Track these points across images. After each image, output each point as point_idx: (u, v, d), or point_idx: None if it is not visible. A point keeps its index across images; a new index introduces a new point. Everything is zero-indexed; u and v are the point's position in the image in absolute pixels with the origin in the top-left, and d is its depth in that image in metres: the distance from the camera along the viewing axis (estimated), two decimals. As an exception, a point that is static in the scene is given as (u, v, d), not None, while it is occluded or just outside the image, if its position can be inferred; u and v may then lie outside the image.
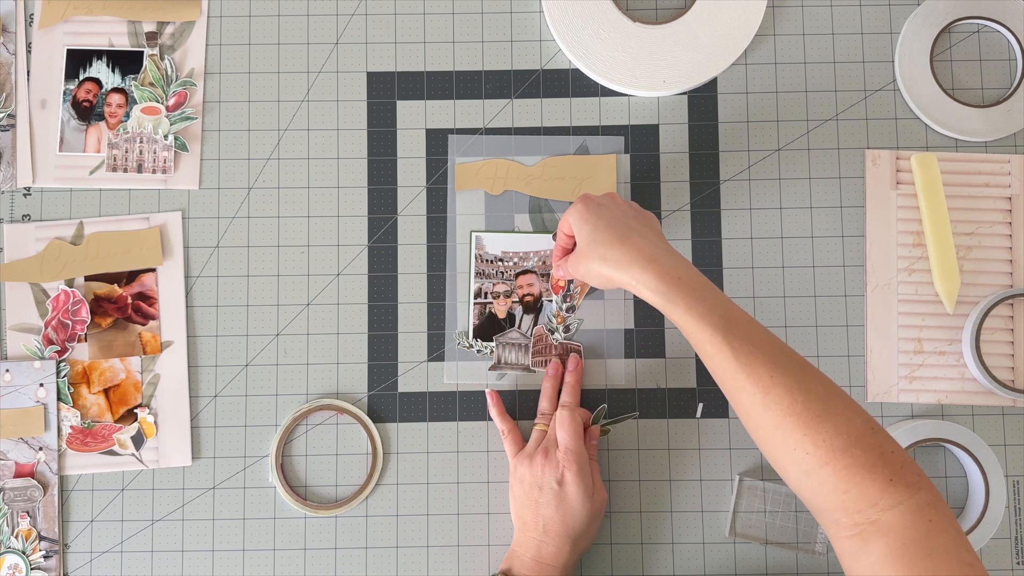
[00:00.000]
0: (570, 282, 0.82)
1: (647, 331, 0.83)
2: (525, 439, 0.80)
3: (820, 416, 0.61)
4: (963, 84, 0.85)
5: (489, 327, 0.83)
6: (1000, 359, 0.81)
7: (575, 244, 0.77)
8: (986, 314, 0.80)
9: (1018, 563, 0.80)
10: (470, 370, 0.82)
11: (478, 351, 0.82)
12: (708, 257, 0.83)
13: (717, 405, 0.82)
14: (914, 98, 0.84)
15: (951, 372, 0.82)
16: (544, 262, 0.83)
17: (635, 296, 0.82)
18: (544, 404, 0.80)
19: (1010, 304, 0.82)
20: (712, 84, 0.85)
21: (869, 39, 0.85)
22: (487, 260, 0.83)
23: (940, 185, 0.82)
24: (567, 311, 0.83)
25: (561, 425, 0.76)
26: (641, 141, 0.85)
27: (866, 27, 0.86)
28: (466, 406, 0.82)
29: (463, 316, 0.83)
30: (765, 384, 0.62)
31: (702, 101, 0.85)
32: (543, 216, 0.84)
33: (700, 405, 0.82)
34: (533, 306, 0.83)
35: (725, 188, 0.84)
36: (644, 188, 0.84)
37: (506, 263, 0.83)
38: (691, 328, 0.65)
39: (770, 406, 0.62)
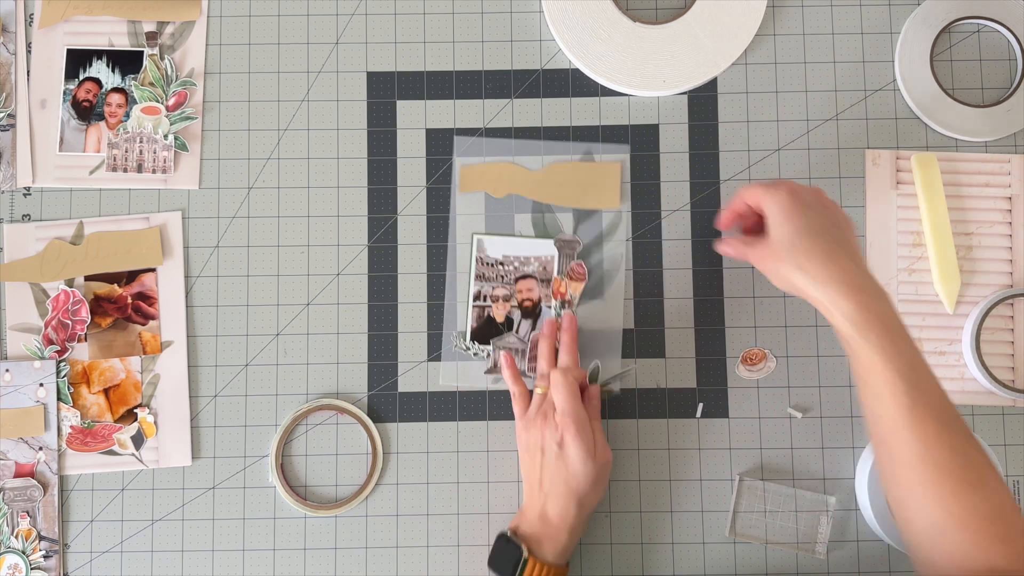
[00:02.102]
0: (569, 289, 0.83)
1: (647, 331, 0.83)
2: None
3: (974, 483, 0.62)
4: (963, 84, 0.85)
5: (487, 330, 0.83)
6: (1000, 359, 0.81)
7: (754, 220, 0.76)
8: (986, 314, 0.80)
9: (1018, 563, 0.80)
10: (468, 371, 0.82)
11: (475, 354, 0.82)
12: (708, 257, 0.83)
13: (717, 405, 0.82)
14: (914, 98, 0.84)
15: (951, 372, 0.82)
16: (544, 267, 0.83)
17: (635, 296, 0.83)
18: (542, 365, 0.79)
19: (1010, 304, 0.82)
20: (712, 84, 0.85)
21: (869, 39, 0.85)
22: (488, 263, 0.83)
23: (940, 185, 0.82)
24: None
25: (556, 388, 0.75)
26: (641, 141, 0.85)
27: (866, 27, 0.86)
28: (466, 406, 0.82)
29: (462, 316, 0.83)
30: (930, 440, 0.63)
31: (702, 101, 0.85)
32: (545, 221, 0.84)
33: (700, 405, 0.82)
34: (532, 311, 0.83)
35: (725, 188, 0.84)
36: (644, 188, 0.84)
37: (506, 267, 0.83)
38: (875, 367, 0.64)
39: (927, 462, 0.62)
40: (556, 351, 0.80)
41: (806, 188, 0.72)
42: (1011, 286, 0.82)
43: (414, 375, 0.83)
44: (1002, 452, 0.81)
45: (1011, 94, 0.84)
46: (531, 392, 0.80)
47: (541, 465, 0.75)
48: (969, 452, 0.63)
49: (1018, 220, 0.83)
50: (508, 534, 0.74)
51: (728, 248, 0.78)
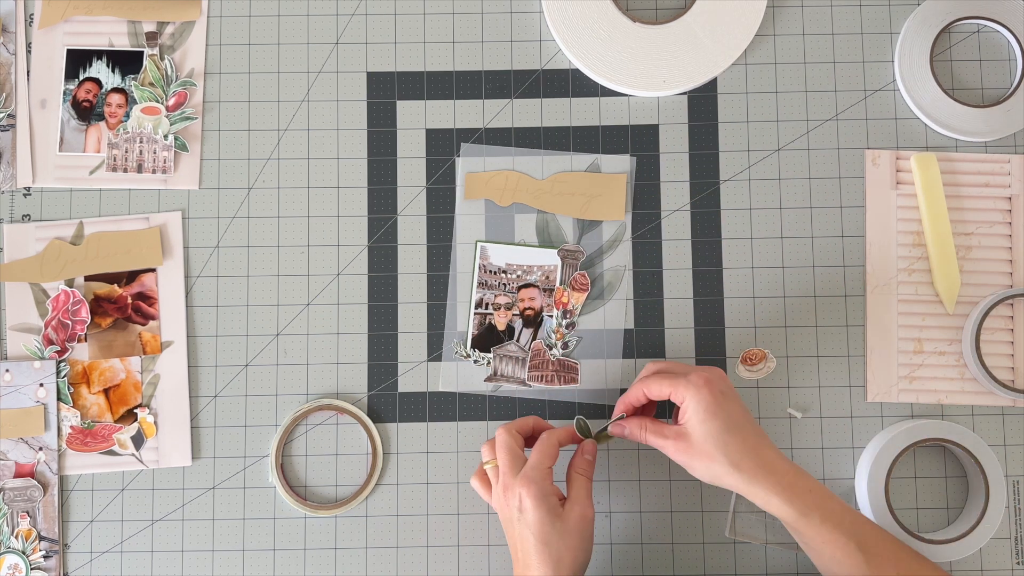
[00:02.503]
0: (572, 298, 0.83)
1: (647, 331, 0.83)
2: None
3: None
4: (963, 84, 0.85)
5: (488, 338, 0.83)
6: (1000, 359, 0.81)
7: (644, 405, 0.75)
8: (986, 314, 0.80)
9: (1018, 563, 0.80)
10: (468, 376, 0.82)
11: (475, 361, 0.82)
12: (708, 257, 0.83)
13: (717, 405, 0.82)
14: (914, 98, 0.84)
15: (951, 372, 0.82)
16: (547, 277, 0.83)
17: (634, 297, 0.83)
18: (486, 449, 0.75)
19: (1010, 304, 0.82)
20: (712, 84, 0.85)
21: (869, 39, 0.85)
22: (490, 271, 0.83)
23: (940, 185, 0.82)
24: (567, 327, 0.82)
25: (498, 450, 0.73)
26: (641, 141, 0.85)
27: (866, 27, 0.86)
28: (466, 407, 0.82)
29: (463, 318, 0.83)
30: None
31: (702, 101, 0.85)
32: (549, 229, 0.83)
33: (700, 405, 0.82)
34: (533, 320, 0.83)
35: (725, 188, 0.84)
36: (644, 188, 0.84)
37: (509, 275, 0.83)
38: (823, 538, 0.68)
39: None
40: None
41: (714, 374, 0.71)
42: (1011, 286, 0.82)
43: (414, 375, 0.83)
44: (1002, 452, 0.81)
45: (1011, 94, 0.84)
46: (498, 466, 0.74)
47: (513, 536, 0.71)
48: None
49: (1018, 220, 0.83)
50: None
51: (634, 431, 0.74)
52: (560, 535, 0.69)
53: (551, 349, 0.82)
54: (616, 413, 0.75)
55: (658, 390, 0.72)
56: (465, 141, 0.85)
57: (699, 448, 0.70)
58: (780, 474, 0.69)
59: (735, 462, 0.69)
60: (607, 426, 0.75)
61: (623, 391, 0.82)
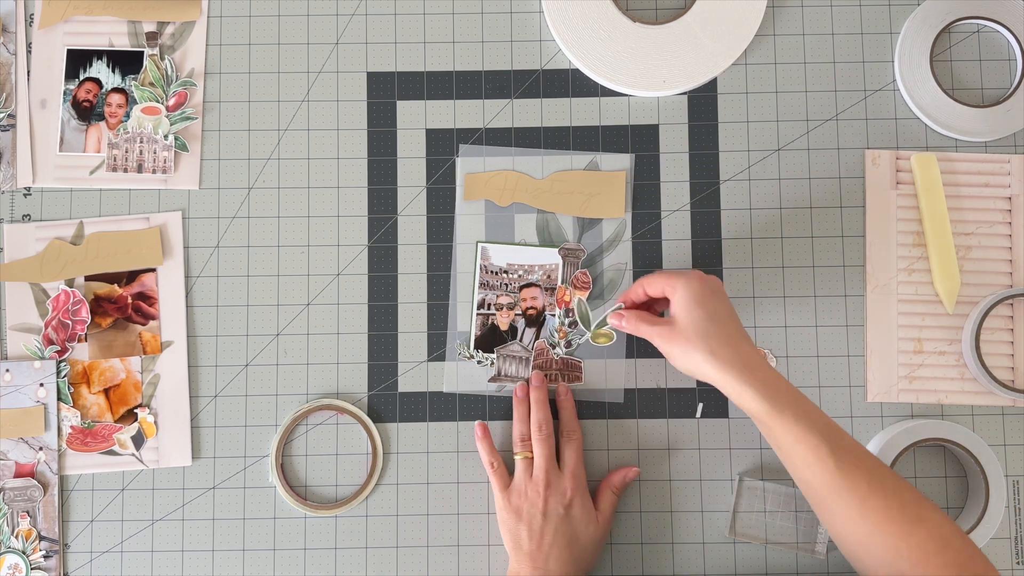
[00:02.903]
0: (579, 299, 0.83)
1: (647, 331, 0.83)
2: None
3: (915, 521, 0.65)
4: (963, 84, 0.85)
5: (491, 338, 0.83)
6: (1000, 359, 0.81)
7: (645, 301, 0.78)
8: (986, 314, 0.80)
9: (1018, 563, 0.80)
10: (470, 377, 0.82)
11: (479, 362, 0.82)
12: (708, 257, 0.83)
13: (717, 405, 0.82)
14: (914, 98, 0.84)
15: (951, 372, 0.82)
16: (549, 276, 0.83)
17: (635, 296, 0.83)
18: (522, 428, 0.79)
19: (1010, 304, 0.82)
20: (712, 84, 0.85)
21: (869, 39, 0.85)
22: (492, 271, 0.83)
23: (940, 185, 0.82)
24: (570, 326, 0.83)
25: (569, 449, 0.78)
26: (641, 141, 0.85)
27: (866, 27, 0.86)
28: (466, 406, 0.82)
29: (464, 318, 0.83)
30: (863, 493, 0.66)
31: (702, 101, 0.85)
32: (549, 228, 0.84)
33: (700, 405, 0.82)
34: (536, 319, 0.83)
35: (725, 188, 0.84)
36: (644, 188, 0.84)
37: (511, 275, 0.83)
38: (795, 437, 0.68)
39: (867, 514, 0.66)
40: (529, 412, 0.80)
41: (710, 277, 0.74)
42: (1011, 286, 0.82)
43: (414, 375, 0.83)
44: (1002, 452, 0.81)
45: (1011, 94, 0.84)
46: (500, 461, 0.79)
47: (542, 531, 0.74)
48: (902, 495, 0.66)
49: (1018, 220, 0.83)
50: None
51: (623, 322, 0.77)
52: (588, 540, 0.76)
53: (554, 348, 0.82)
54: (627, 304, 0.78)
55: (656, 285, 0.75)
56: (465, 141, 0.85)
57: (681, 334, 0.72)
58: (756, 369, 0.69)
59: (713, 349, 0.70)
60: (605, 316, 0.79)
61: (627, 391, 0.82)
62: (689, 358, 0.71)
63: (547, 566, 0.73)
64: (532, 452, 0.78)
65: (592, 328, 0.81)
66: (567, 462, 0.77)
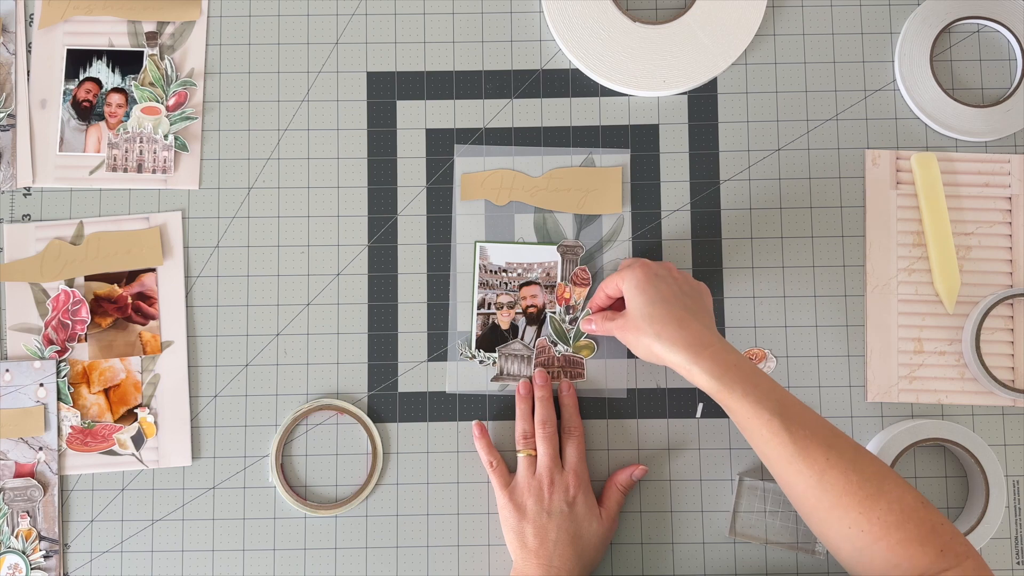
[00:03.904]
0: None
1: (647, 331, 0.83)
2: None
3: (874, 495, 0.64)
4: (963, 84, 0.85)
5: (492, 338, 0.83)
6: (1000, 359, 0.81)
7: (613, 303, 0.80)
8: (986, 314, 0.80)
9: (1018, 563, 0.80)
10: (471, 377, 0.82)
11: (480, 362, 0.82)
12: (708, 257, 0.83)
13: (717, 405, 0.82)
14: (914, 98, 0.84)
15: (951, 372, 0.82)
16: (548, 273, 0.83)
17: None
18: (525, 426, 0.79)
19: (1010, 304, 0.82)
20: (712, 84, 0.85)
21: (869, 39, 0.85)
22: (491, 271, 0.83)
23: (940, 185, 0.82)
24: (571, 323, 0.83)
25: (571, 445, 0.78)
26: (641, 141, 0.85)
27: (866, 27, 0.86)
28: (466, 406, 0.82)
29: (464, 318, 0.83)
30: (821, 467, 0.65)
31: (702, 101, 0.85)
32: (547, 225, 0.84)
33: (700, 405, 0.82)
34: (536, 317, 0.83)
35: (725, 188, 0.84)
36: (644, 188, 0.84)
37: (510, 274, 0.83)
38: (747, 413, 0.67)
39: (826, 487, 0.65)
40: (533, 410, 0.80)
41: (657, 263, 0.76)
42: (1011, 286, 0.82)
43: (414, 375, 0.83)
44: (1002, 452, 0.81)
45: (1011, 94, 0.84)
46: (500, 459, 0.79)
47: (546, 528, 0.75)
48: (861, 467, 0.65)
49: (1018, 220, 0.83)
50: None
51: (592, 326, 0.80)
52: (592, 536, 0.76)
53: (556, 346, 0.82)
54: (592, 308, 0.81)
55: (611, 285, 0.77)
56: (465, 141, 0.85)
57: (632, 323, 0.73)
58: (704, 346, 0.69)
59: (658, 332, 0.71)
60: (578, 325, 0.82)
61: (628, 390, 0.82)
62: (640, 344, 0.73)
63: (552, 563, 0.73)
64: (534, 450, 0.78)
65: (572, 342, 0.82)
66: (569, 459, 0.78)
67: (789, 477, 0.66)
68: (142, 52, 0.86)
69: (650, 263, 0.76)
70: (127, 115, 0.85)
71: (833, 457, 0.65)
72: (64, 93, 0.85)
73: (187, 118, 0.85)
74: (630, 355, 0.82)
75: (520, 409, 0.80)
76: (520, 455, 0.78)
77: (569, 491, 0.76)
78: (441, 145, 0.85)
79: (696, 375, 0.69)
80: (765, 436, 0.67)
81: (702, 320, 0.72)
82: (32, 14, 0.86)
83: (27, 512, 0.80)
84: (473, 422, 0.81)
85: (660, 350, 0.71)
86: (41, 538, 0.80)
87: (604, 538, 0.77)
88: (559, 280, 0.83)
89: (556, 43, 0.85)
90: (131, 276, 0.83)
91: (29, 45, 0.86)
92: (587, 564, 0.76)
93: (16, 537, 0.80)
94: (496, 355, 0.82)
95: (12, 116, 0.85)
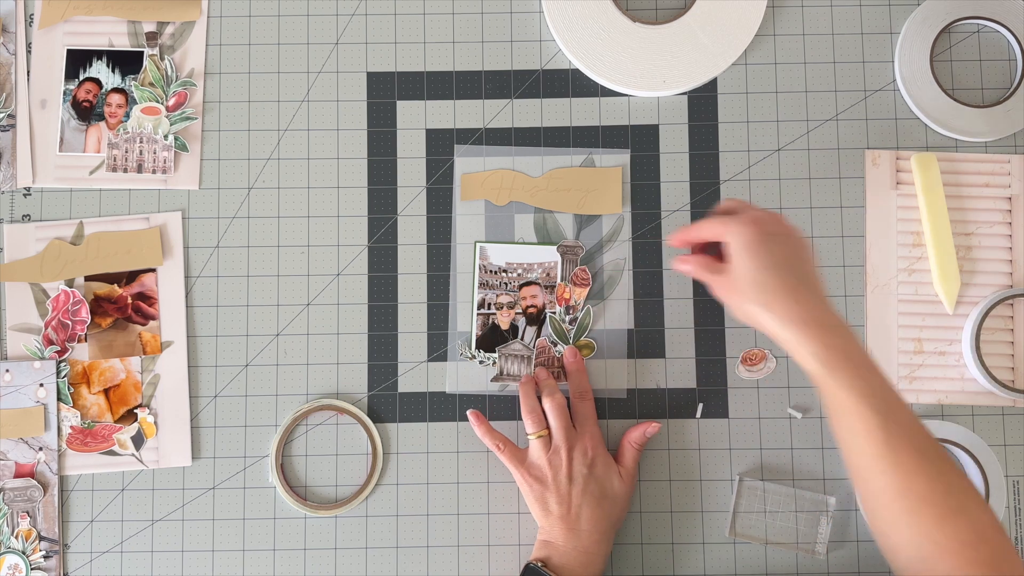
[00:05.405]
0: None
1: (648, 331, 0.83)
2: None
3: (956, 511, 0.61)
4: (963, 84, 0.85)
5: (492, 338, 0.83)
6: (1000, 359, 0.81)
7: (705, 246, 0.74)
8: (986, 314, 0.80)
9: (1018, 563, 0.80)
10: (471, 377, 0.82)
11: (480, 362, 0.82)
12: (708, 257, 0.83)
13: (717, 405, 0.82)
14: (914, 98, 0.84)
15: (951, 372, 0.82)
16: (548, 274, 0.83)
17: (635, 297, 0.83)
18: (531, 403, 0.79)
19: (1010, 304, 0.82)
20: (712, 84, 0.85)
21: (869, 39, 0.85)
22: (491, 271, 0.83)
23: (940, 185, 0.82)
24: (570, 323, 0.83)
25: (582, 415, 0.78)
26: (641, 141, 0.85)
27: (866, 27, 0.86)
28: (466, 407, 0.82)
29: (464, 319, 0.83)
30: (908, 471, 0.62)
31: (702, 101, 0.85)
32: (547, 225, 0.84)
33: (700, 405, 0.82)
34: (536, 318, 0.83)
35: (725, 188, 0.84)
36: (644, 188, 0.84)
37: (510, 274, 0.83)
38: (847, 404, 0.64)
39: (907, 493, 0.62)
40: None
41: (767, 215, 0.70)
42: (1011, 286, 0.82)
43: (414, 375, 0.83)
44: (1002, 452, 0.81)
45: (1011, 94, 0.84)
46: (506, 439, 0.79)
47: (570, 494, 0.75)
48: (949, 479, 0.63)
49: (1018, 220, 0.83)
50: (537, 566, 0.74)
51: (689, 267, 0.73)
52: (615, 494, 0.76)
53: (556, 346, 0.82)
54: (675, 239, 0.74)
55: (711, 230, 0.71)
56: (465, 141, 0.85)
57: (735, 285, 0.68)
58: (817, 324, 0.65)
59: (767, 302, 0.66)
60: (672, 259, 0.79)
61: (628, 390, 0.82)
62: (744, 311, 0.68)
63: (579, 525, 0.74)
64: (545, 430, 0.77)
65: (572, 343, 0.82)
66: (584, 422, 0.78)
67: (868, 471, 0.64)
68: (142, 52, 0.86)
69: (760, 216, 0.69)
70: (127, 115, 0.85)
71: (923, 465, 0.62)
72: (64, 93, 0.85)
73: (187, 118, 0.85)
74: (630, 355, 0.82)
75: (524, 390, 0.80)
76: (532, 438, 0.78)
77: (588, 453, 0.76)
78: (441, 145, 0.85)
79: (803, 355, 0.66)
80: (857, 429, 0.64)
81: (814, 289, 0.67)
82: (32, 14, 0.86)
83: (27, 512, 0.80)
84: (468, 411, 0.81)
85: (768, 322, 0.66)
86: (41, 538, 0.80)
87: (627, 495, 0.77)
88: (559, 280, 0.83)
89: (556, 43, 0.85)
90: (131, 276, 0.83)
91: (29, 45, 0.86)
92: (614, 521, 0.76)
93: (16, 537, 0.80)
94: (496, 355, 0.82)
95: (12, 116, 0.85)
